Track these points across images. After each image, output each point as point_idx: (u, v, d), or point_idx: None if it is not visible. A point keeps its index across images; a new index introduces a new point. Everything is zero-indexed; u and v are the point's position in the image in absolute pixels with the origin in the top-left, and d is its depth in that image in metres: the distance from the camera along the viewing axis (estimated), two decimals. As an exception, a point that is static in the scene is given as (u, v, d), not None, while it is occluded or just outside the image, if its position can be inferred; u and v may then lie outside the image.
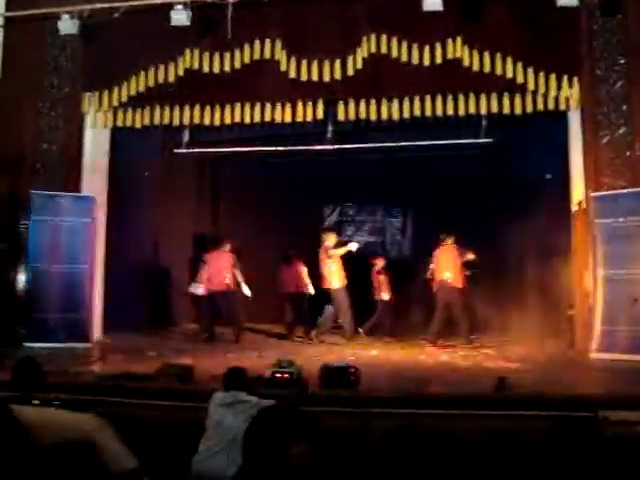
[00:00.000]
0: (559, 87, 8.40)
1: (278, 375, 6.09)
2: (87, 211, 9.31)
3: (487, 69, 8.44)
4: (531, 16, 8.45)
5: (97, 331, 9.53)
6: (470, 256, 9.79)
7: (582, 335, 8.41)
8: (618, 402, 5.46)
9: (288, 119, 9.08)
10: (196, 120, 9.29)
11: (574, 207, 8.64)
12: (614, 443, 2.83)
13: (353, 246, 10.33)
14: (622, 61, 8.36)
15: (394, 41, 8.66)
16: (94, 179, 9.69)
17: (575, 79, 8.43)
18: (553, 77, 8.38)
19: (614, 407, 5.27)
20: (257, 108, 9.11)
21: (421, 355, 8.62)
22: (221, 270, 10.04)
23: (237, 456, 4.64)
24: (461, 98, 8.61)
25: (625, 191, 8.18)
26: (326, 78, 8.83)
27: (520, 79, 8.39)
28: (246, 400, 4.92)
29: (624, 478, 2.63)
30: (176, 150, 10.97)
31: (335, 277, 9.98)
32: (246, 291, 10.16)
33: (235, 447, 4.70)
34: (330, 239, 10.18)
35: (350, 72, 8.78)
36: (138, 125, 9.39)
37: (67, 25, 9.10)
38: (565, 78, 8.40)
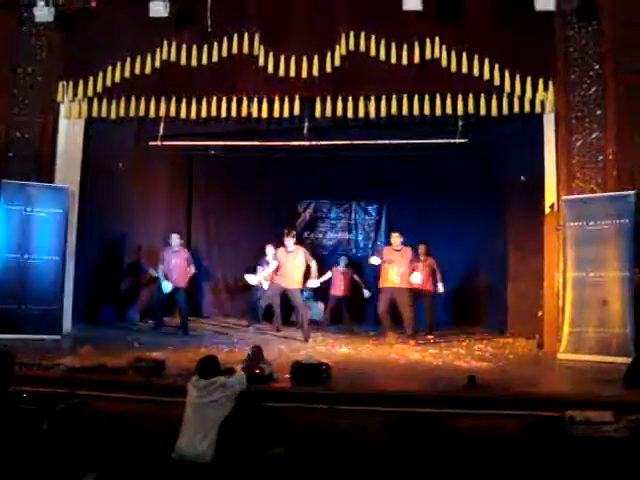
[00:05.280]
0: (534, 90, 8.50)
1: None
2: (60, 202, 9.21)
3: (465, 70, 8.50)
4: (509, 19, 8.53)
5: (67, 323, 9.45)
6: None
7: (551, 336, 8.53)
8: (584, 402, 5.54)
9: (265, 114, 9.07)
10: (172, 113, 9.23)
11: (547, 209, 8.75)
12: (580, 443, 2.90)
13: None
14: (596, 67, 8.48)
15: (373, 39, 8.68)
16: (67, 169, 9.59)
17: (550, 83, 8.54)
18: (529, 80, 8.47)
19: (580, 407, 5.36)
20: (234, 102, 9.07)
21: (392, 353, 8.66)
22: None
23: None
24: (438, 98, 8.66)
25: (596, 195, 8.31)
26: (304, 74, 8.82)
27: (496, 81, 8.47)
28: (222, 384, 5.04)
29: (590, 478, 2.69)
30: (151, 142, 10.89)
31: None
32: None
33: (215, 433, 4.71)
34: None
35: (328, 69, 8.78)
36: (113, 116, 9.30)
37: (43, 13, 9.00)
38: (541, 81, 8.50)
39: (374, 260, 10.23)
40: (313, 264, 10.11)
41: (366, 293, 11.45)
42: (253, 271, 11.13)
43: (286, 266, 9.89)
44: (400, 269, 9.85)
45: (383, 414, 5.42)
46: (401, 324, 9.93)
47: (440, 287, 10.59)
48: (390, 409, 5.49)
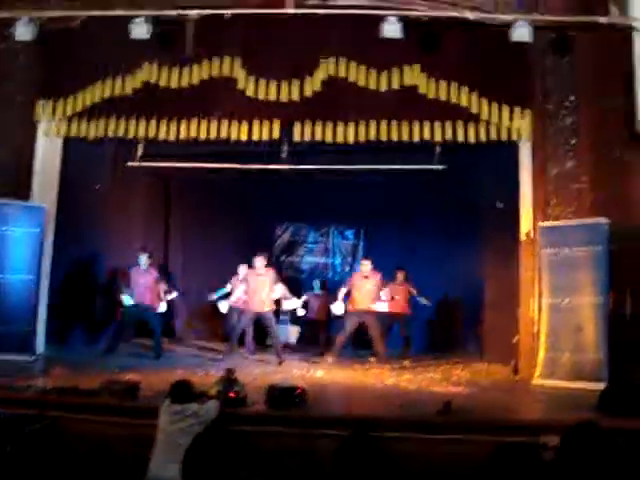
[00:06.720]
0: (511, 118, 8.62)
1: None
2: (36, 221, 9.13)
3: (443, 97, 8.61)
4: (487, 49, 8.66)
5: (40, 344, 9.31)
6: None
7: (526, 361, 8.58)
8: (558, 428, 5.56)
9: (244, 137, 9.09)
10: (151, 134, 9.22)
11: (522, 236, 8.84)
12: (552, 468, 2.90)
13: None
14: (572, 98, 8.64)
15: (352, 65, 8.77)
16: (44, 188, 9.50)
17: (527, 112, 8.67)
18: (506, 109, 8.60)
19: (554, 433, 5.38)
20: (213, 125, 9.09)
21: (367, 377, 8.65)
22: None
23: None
24: (416, 124, 8.76)
25: (571, 222, 8.42)
26: (283, 98, 8.88)
27: (474, 109, 8.59)
28: (195, 412, 5.05)
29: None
30: (129, 163, 10.86)
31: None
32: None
33: None
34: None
35: (308, 93, 8.84)
36: (92, 136, 9.26)
37: (22, 31, 8.94)
38: (517, 110, 8.63)
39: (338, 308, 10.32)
40: (279, 287, 10.12)
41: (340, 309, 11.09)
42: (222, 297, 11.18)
43: (256, 289, 9.87)
44: (369, 294, 9.95)
45: (359, 438, 5.39)
46: (372, 348, 10.00)
47: (424, 300, 10.60)
48: (366, 434, 5.46)
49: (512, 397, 7.65)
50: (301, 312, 10.83)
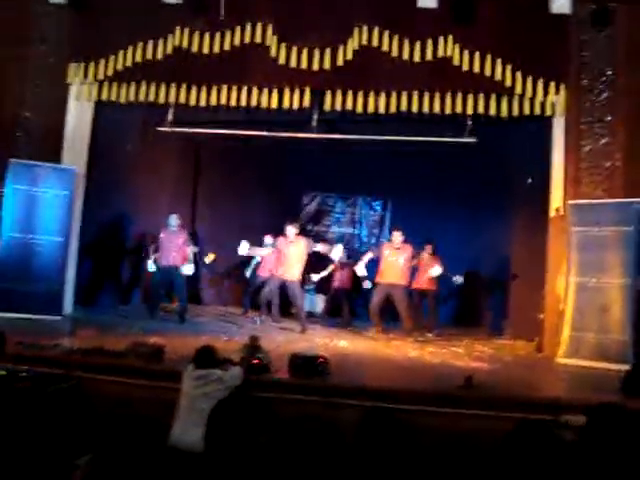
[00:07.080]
0: (545, 93, 8.50)
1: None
2: (67, 183, 9.23)
3: (476, 70, 8.50)
4: (523, 21, 8.52)
5: (68, 304, 9.47)
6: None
7: (550, 339, 8.53)
8: (580, 407, 5.53)
9: (274, 105, 9.06)
10: (182, 99, 9.24)
11: (552, 213, 8.74)
12: (572, 447, 2.89)
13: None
14: (609, 72, 8.46)
15: (386, 34, 8.68)
16: (75, 151, 9.58)
17: (562, 86, 8.53)
18: (540, 82, 8.47)
19: (575, 411, 5.36)
20: (244, 92, 9.09)
21: (390, 349, 8.67)
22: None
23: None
24: (448, 96, 8.66)
25: (602, 201, 8.29)
26: (315, 67, 8.83)
27: (508, 82, 8.47)
28: (219, 377, 5.08)
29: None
30: (159, 128, 10.87)
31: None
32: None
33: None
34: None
35: (340, 62, 8.79)
36: (123, 100, 9.32)
37: (57, -7, 9.00)
38: (552, 84, 8.50)
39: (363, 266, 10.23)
40: (319, 247, 10.14)
41: (367, 284, 11.11)
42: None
43: (287, 256, 9.90)
44: (399, 266, 9.87)
45: (380, 410, 5.42)
46: (399, 321, 9.96)
47: (456, 277, 10.49)
48: (386, 405, 5.49)
49: (535, 374, 7.63)
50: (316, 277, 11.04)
